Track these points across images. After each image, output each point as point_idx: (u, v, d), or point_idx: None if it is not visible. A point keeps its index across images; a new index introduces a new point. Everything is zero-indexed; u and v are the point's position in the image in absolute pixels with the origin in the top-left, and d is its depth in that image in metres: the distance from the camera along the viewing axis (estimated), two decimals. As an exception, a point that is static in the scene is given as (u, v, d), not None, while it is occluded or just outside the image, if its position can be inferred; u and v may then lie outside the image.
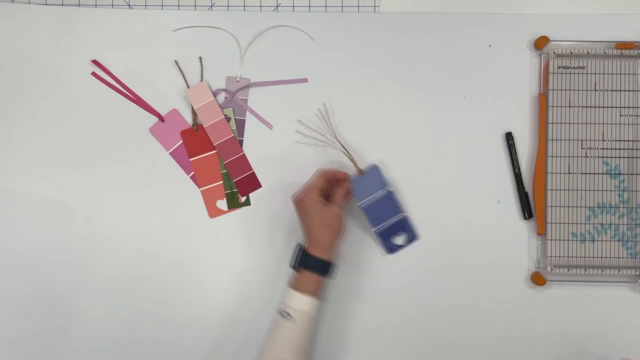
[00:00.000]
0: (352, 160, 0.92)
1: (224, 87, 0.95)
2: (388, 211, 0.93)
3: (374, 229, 0.93)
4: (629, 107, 0.92)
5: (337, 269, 0.90)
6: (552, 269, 0.92)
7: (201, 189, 0.95)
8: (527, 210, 0.93)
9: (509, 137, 0.94)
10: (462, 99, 0.95)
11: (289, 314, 0.82)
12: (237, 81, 0.95)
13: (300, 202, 0.87)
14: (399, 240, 0.94)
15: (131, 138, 0.95)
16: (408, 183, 0.94)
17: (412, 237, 0.94)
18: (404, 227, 0.93)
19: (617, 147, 0.92)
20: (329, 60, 0.95)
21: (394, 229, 0.93)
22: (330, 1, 0.96)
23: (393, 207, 0.93)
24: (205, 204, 0.94)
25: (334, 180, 0.90)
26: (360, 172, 0.92)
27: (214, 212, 0.94)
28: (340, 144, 0.93)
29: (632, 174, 0.92)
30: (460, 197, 0.94)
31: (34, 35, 0.95)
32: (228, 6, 0.96)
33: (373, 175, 0.93)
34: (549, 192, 0.92)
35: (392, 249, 0.94)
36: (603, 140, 0.92)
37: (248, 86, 0.95)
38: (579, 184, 0.92)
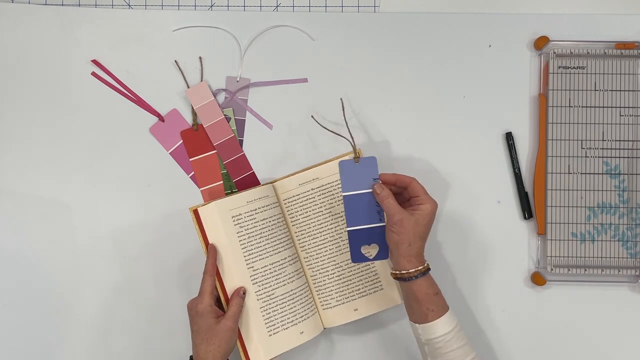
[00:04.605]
0: (352, 143, 0.88)
1: (224, 87, 0.95)
2: (370, 214, 0.85)
3: (348, 227, 0.85)
4: (629, 107, 0.92)
5: None
6: (552, 269, 0.92)
7: (201, 189, 0.95)
8: (527, 210, 0.93)
9: (509, 137, 0.94)
10: (462, 99, 0.95)
11: None
12: (237, 81, 0.95)
13: (192, 311, 0.82)
14: (368, 252, 0.86)
15: (131, 138, 0.95)
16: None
17: (382, 254, 0.85)
18: (380, 240, 0.85)
19: (617, 147, 0.92)
20: (329, 60, 0.95)
21: (369, 235, 0.85)
22: (330, 1, 0.96)
23: (377, 211, 0.85)
24: (205, 204, 0.94)
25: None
26: (357, 159, 0.86)
27: (214, 212, 0.94)
28: (348, 129, 0.89)
29: (632, 174, 0.92)
30: (460, 197, 0.94)
31: (34, 35, 0.95)
32: (228, 6, 0.96)
33: (368, 165, 0.85)
34: (549, 192, 0.92)
35: (357, 258, 0.86)
36: (603, 140, 0.92)
37: (248, 86, 0.95)
38: (579, 184, 0.92)
